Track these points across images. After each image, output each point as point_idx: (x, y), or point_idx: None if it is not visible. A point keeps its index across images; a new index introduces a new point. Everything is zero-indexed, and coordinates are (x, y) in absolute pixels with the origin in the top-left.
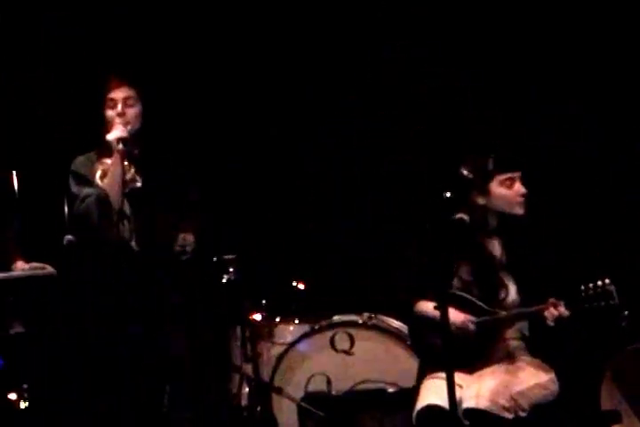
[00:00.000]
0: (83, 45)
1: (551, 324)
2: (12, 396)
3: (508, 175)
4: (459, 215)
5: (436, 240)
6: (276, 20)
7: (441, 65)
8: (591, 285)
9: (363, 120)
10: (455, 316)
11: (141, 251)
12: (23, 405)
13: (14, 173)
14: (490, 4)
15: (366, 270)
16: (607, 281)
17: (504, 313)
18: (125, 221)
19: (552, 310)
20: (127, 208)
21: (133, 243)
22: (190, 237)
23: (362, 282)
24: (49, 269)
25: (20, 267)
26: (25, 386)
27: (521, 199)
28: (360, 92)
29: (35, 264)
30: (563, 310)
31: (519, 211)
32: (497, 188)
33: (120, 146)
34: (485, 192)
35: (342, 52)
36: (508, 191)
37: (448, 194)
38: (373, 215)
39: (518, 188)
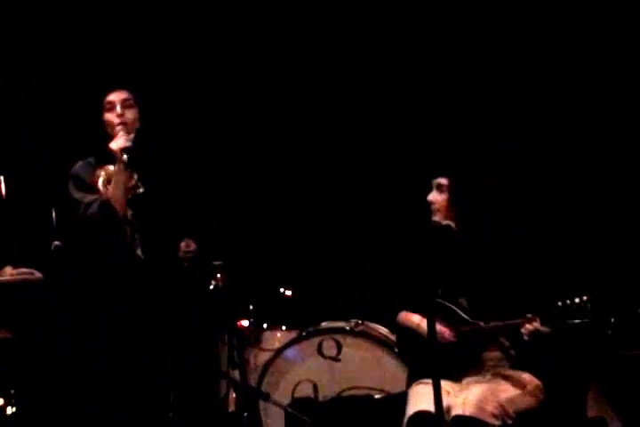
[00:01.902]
0: (75, 48)
1: (527, 338)
2: (0, 401)
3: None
4: (445, 222)
5: (422, 247)
6: (276, 21)
7: (442, 74)
8: (568, 301)
9: (352, 131)
10: (414, 321)
11: (147, 258)
12: (10, 410)
13: (2, 177)
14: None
15: (354, 277)
16: (585, 298)
17: (482, 325)
18: (130, 229)
19: (528, 325)
20: (131, 215)
21: (139, 251)
22: (193, 244)
23: (349, 289)
24: (37, 274)
25: (8, 272)
26: (12, 391)
27: (432, 207)
28: (356, 98)
29: (23, 270)
30: (538, 325)
31: (431, 216)
32: None
33: (124, 156)
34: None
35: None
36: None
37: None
38: (362, 222)
39: (430, 195)
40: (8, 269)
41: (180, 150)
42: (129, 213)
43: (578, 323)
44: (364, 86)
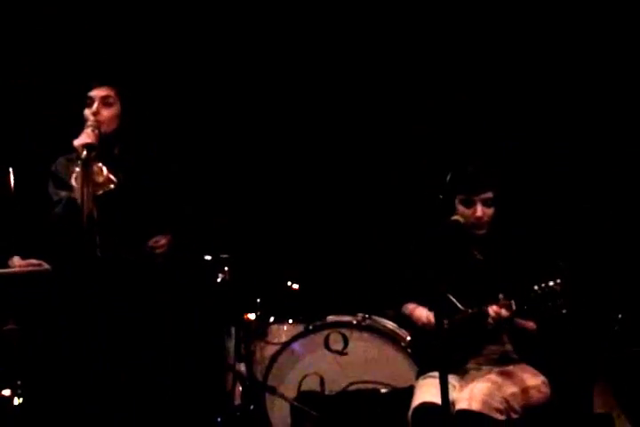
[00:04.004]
0: (75, 48)
1: (491, 321)
2: (6, 392)
3: (466, 196)
4: (454, 217)
5: (430, 241)
6: (276, 21)
7: (442, 74)
8: (542, 284)
9: (360, 124)
10: (422, 314)
11: (104, 257)
12: (17, 401)
13: (11, 170)
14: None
15: (361, 271)
16: (557, 281)
17: (470, 311)
18: (93, 227)
19: (489, 310)
20: (96, 213)
21: (98, 250)
22: (163, 240)
23: (356, 283)
24: (45, 266)
25: (17, 263)
26: (19, 382)
27: (476, 221)
28: (356, 96)
29: (32, 261)
30: (499, 308)
31: (476, 231)
32: (458, 205)
33: (84, 153)
34: (452, 207)
35: (339, 54)
36: (466, 210)
37: (442, 196)
38: (368, 216)
39: (475, 210)
40: (16, 260)
41: (182, 149)
42: (95, 211)
43: (550, 305)
44: (364, 86)
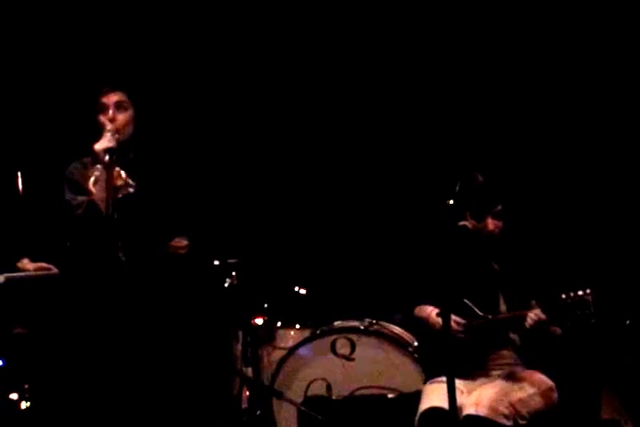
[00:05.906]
0: (82, 48)
1: (528, 326)
2: (14, 396)
3: (476, 212)
4: (462, 222)
5: (438, 246)
6: (277, 21)
7: (442, 74)
8: (571, 293)
9: (367, 126)
10: (439, 319)
11: (127, 260)
12: (24, 405)
13: (19, 173)
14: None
15: (368, 276)
16: (587, 291)
17: (491, 317)
18: (114, 230)
19: (530, 314)
20: (117, 216)
21: (120, 253)
22: (185, 241)
23: (363, 288)
24: (54, 270)
25: (27, 265)
26: (26, 386)
27: (488, 234)
28: (364, 97)
29: (41, 264)
30: (540, 313)
31: (489, 241)
32: (469, 217)
33: (106, 157)
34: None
35: (343, 54)
36: (477, 224)
37: (451, 201)
38: (376, 221)
39: (486, 224)
40: (26, 261)
41: (188, 151)
42: (116, 214)
43: (579, 314)
44: (365, 88)
